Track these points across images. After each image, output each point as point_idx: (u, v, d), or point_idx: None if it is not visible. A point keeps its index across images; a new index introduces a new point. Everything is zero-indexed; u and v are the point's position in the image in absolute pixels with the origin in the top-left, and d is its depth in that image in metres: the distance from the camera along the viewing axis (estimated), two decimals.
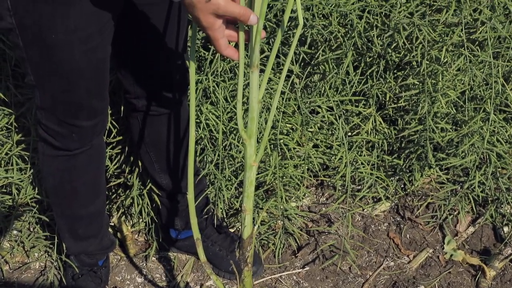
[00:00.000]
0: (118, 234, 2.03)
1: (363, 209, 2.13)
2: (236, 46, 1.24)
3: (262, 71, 1.24)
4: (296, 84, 1.93)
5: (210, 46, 1.89)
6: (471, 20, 1.86)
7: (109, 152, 1.89)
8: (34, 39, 1.30)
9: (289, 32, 1.92)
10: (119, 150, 1.90)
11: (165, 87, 1.61)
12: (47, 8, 1.25)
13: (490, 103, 1.87)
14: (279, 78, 1.92)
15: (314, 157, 1.96)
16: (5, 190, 1.93)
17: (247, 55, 1.31)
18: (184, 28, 1.53)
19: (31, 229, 1.97)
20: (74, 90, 1.40)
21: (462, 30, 1.82)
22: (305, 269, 1.99)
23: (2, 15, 1.28)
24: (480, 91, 1.90)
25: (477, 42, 1.89)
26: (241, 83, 1.23)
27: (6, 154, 1.84)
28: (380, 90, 1.96)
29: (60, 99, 1.42)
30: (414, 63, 1.90)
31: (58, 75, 1.37)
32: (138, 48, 1.51)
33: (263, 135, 1.25)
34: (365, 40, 1.89)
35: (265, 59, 1.89)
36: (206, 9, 1.15)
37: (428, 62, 1.85)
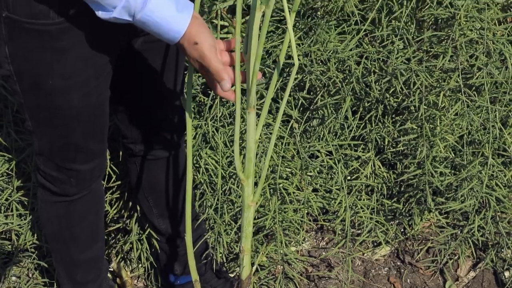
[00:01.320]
0: (118, 280, 2.02)
1: (363, 254, 2.12)
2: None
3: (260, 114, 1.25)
4: (295, 128, 1.95)
5: (209, 91, 1.92)
6: (468, 66, 1.88)
7: (109, 197, 1.90)
8: (31, 85, 1.32)
9: (287, 78, 1.94)
10: (119, 195, 1.91)
11: (162, 132, 1.62)
12: (44, 54, 1.27)
13: (488, 147, 1.88)
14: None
15: (314, 201, 1.96)
16: (5, 236, 1.93)
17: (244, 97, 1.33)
18: (181, 72, 1.55)
19: (30, 275, 1.96)
20: (71, 134, 1.41)
21: (459, 75, 1.84)
22: None
23: (1, 62, 1.30)
24: (478, 135, 1.91)
25: (474, 87, 1.91)
26: (238, 124, 1.25)
27: (6, 200, 1.84)
28: (378, 134, 1.97)
29: (58, 144, 1.43)
30: (412, 108, 1.92)
31: (56, 120, 1.38)
32: (135, 93, 1.52)
33: (260, 176, 1.26)
34: (363, 85, 1.91)
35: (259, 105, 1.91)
36: (192, 54, 1.19)
37: (426, 107, 1.87)
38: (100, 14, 1.17)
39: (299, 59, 1.87)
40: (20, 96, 1.34)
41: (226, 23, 1.92)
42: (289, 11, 1.20)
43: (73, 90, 1.32)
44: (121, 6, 1.15)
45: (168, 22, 1.17)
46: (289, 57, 1.92)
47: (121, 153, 1.82)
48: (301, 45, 1.87)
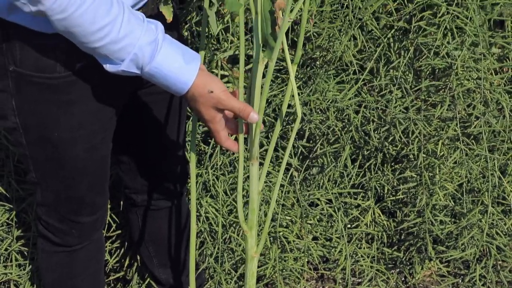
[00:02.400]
0: None
1: None
2: (236, 139, 1.28)
3: (261, 164, 1.27)
4: (295, 177, 1.95)
5: (210, 140, 1.93)
6: (466, 115, 1.90)
7: (109, 246, 1.89)
8: (37, 138, 1.33)
9: (287, 126, 1.95)
10: (119, 244, 1.90)
11: (165, 182, 1.63)
12: (52, 107, 1.28)
13: (488, 195, 1.89)
14: (278, 171, 1.94)
15: (314, 250, 1.96)
16: (3, 286, 1.92)
17: (246, 148, 1.35)
18: (183, 123, 1.56)
19: None
20: (76, 186, 1.41)
21: (457, 124, 1.86)
22: None
23: (7, 115, 1.31)
24: (477, 184, 1.92)
25: (472, 136, 1.93)
26: (241, 175, 1.27)
27: (6, 250, 1.83)
28: (378, 182, 1.98)
29: (63, 196, 1.43)
30: (411, 156, 1.93)
31: (61, 173, 1.38)
32: (138, 144, 1.54)
33: (263, 227, 1.27)
34: (362, 134, 1.93)
35: (264, 152, 1.92)
36: (208, 102, 1.20)
37: (424, 156, 1.88)
38: (108, 67, 1.18)
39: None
40: (25, 148, 1.35)
41: (226, 73, 1.94)
42: (291, 63, 1.23)
43: (80, 142, 1.33)
44: (129, 59, 1.16)
45: (176, 74, 1.18)
46: (288, 105, 1.93)
47: (122, 202, 1.82)
48: (300, 94, 1.89)
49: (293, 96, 1.28)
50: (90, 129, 1.33)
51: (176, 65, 1.18)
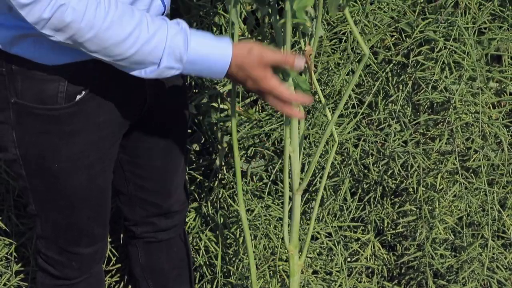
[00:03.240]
0: None
1: None
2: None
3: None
4: None
5: (209, 172, 1.94)
6: (464, 148, 1.91)
7: (108, 280, 1.88)
8: (37, 169, 1.33)
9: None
10: (118, 278, 1.89)
11: (164, 214, 1.63)
12: (53, 138, 1.29)
13: (488, 229, 1.88)
14: (277, 204, 1.95)
15: (314, 284, 1.95)
16: None
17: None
18: (184, 155, 1.57)
19: None
20: (76, 217, 1.41)
21: (456, 158, 1.86)
22: None
23: (7, 146, 1.32)
24: (477, 217, 1.92)
25: (471, 170, 1.93)
26: (287, 205, 1.38)
27: (4, 284, 1.82)
28: (378, 216, 1.98)
29: (62, 227, 1.43)
30: (411, 189, 1.94)
31: (61, 203, 1.39)
32: (137, 175, 1.54)
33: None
34: (362, 167, 1.94)
35: (264, 186, 1.92)
36: (252, 62, 1.18)
37: (424, 189, 1.88)
38: (147, 73, 1.19)
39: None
40: (24, 180, 1.35)
41: (225, 106, 1.96)
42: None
43: (80, 172, 1.34)
44: (166, 55, 1.16)
45: (214, 52, 1.18)
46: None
47: (121, 235, 1.82)
48: (298, 127, 1.90)
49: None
50: (90, 159, 1.34)
51: (211, 43, 1.18)
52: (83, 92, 1.25)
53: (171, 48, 1.16)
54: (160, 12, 1.31)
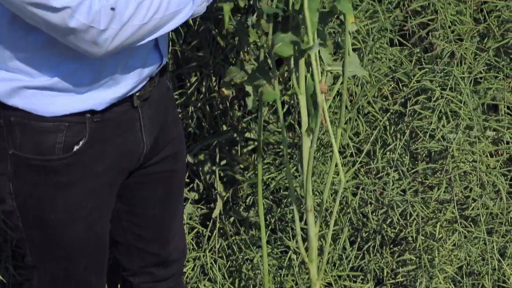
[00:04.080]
0: None
1: None
2: None
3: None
4: (294, 260, 1.94)
5: (208, 223, 1.93)
6: (463, 197, 1.91)
7: None
8: (34, 221, 1.33)
9: (285, 208, 1.96)
10: None
11: (163, 263, 1.61)
12: (50, 189, 1.29)
13: (488, 278, 1.87)
14: (276, 253, 1.94)
15: None
16: None
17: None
18: (181, 204, 1.57)
19: None
20: (74, 268, 1.40)
21: (454, 206, 1.86)
22: None
23: (5, 198, 1.31)
24: (477, 266, 1.91)
25: (470, 218, 1.93)
26: (298, 227, 1.48)
27: None
28: (377, 265, 1.96)
29: (60, 278, 1.42)
30: (410, 238, 1.93)
31: (58, 254, 1.38)
32: (135, 224, 1.53)
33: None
34: (361, 216, 1.93)
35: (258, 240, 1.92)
36: None
37: (423, 238, 1.88)
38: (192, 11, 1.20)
39: (295, 190, 1.91)
40: (21, 231, 1.34)
41: (224, 155, 1.97)
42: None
43: (77, 222, 1.33)
44: None
45: None
46: (286, 188, 1.95)
47: (119, 286, 1.80)
48: (298, 176, 1.91)
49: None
50: (88, 209, 1.33)
51: None
52: (81, 143, 1.26)
53: None
54: (158, 64, 1.33)
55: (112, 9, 1.10)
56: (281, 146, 1.95)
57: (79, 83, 1.22)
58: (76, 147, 1.27)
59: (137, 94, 1.30)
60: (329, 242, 1.50)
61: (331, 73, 1.31)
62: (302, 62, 1.31)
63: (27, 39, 1.16)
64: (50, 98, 1.21)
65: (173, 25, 1.19)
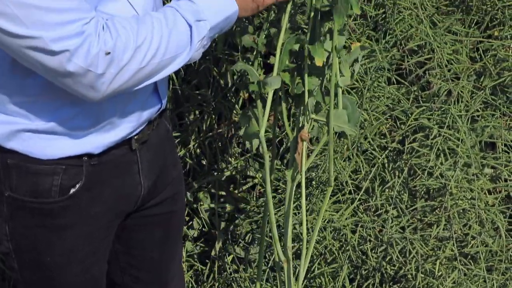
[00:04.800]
0: None
1: None
2: None
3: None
4: None
5: (207, 261, 1.93)
6: (462, 234, 1.91)
7: None
8: (30, 263, 1.33)
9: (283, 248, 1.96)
10: None
11: None
12: (45, 232, 1.29)
13: None
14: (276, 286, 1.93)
15: None
16: None
17: None
18: (180, 246, 1.56)
19: None
20: None
21: (454, 244, 1.86)
22: None
23: (1, 239, 1.31)
24: None
25: (469, 256, 1.93)
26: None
27: None
28: None
29: None
30: (410, 276, 1.92)
31: None
32: (132, 266, 1.52)
33: None
34: (360, 253, 1.93)
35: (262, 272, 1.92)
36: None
37: (423, 276, 1.87)
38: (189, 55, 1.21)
39: (295, 227, 1.91)
40: (17, 273, 1.34)
41: (223, 193, 1.97)
42: None
43: (73, 265, 1.33)
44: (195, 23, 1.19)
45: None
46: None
47: None
48: (297, 214, 1.91)
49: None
50: (84, 251, 1.33)
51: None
52: (77, 186, 1.26)
53: (185, 10, 1.19)
54: (157, 108, 1.33)
55: (108, 53, 1.11)
56: (281, 184, 1.95)
57: (77, 128, 1.23)
58: (72, 190, 1.27)
59: (135, 137, 1.31)
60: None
61: (317, 123, 1.30)
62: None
63: (25, 83, 1.17)
64: (48, 141, 1.22)
65: (171, 70, 1.20)
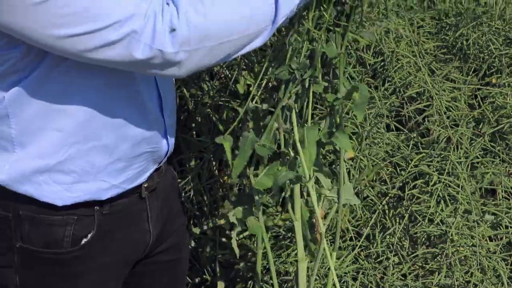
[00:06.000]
0: None
1: None
2: None
3: None
4: None
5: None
6: (464, 282, 1.90)
7: None
8: None
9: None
10: None
11: None
12: (56, 281, 1.28)
13: None
14: None
15: None
16: None
17: None
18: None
19: None
20: None
21: None
22: None
23: None
24: None
25: None
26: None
27: None
28: None
29: None
30: None
31: None
32: None
33: None
34: None
35: None
36: None
37: None
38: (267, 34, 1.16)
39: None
40: None
41: (224, 239, 1.97)
42: None
43: None
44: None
45: None
46: (285, 273, 1.94)
47: None
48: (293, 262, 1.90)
49: None
50: None
51: None
52: (89, 236, 1.27)
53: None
54: (165, 152, 1.34)
55: (173, 30, 1.06)
56: (281, 231, 1.95)
57: (91, 169, 1.23)
58: (84, 240, 1.27)
59: (145, 185, 1.32)
60: None
61: (326, 197, 1.33)
62: (297, 188, 1.32)
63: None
64: (61, 185, 1.22)
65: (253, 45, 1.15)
